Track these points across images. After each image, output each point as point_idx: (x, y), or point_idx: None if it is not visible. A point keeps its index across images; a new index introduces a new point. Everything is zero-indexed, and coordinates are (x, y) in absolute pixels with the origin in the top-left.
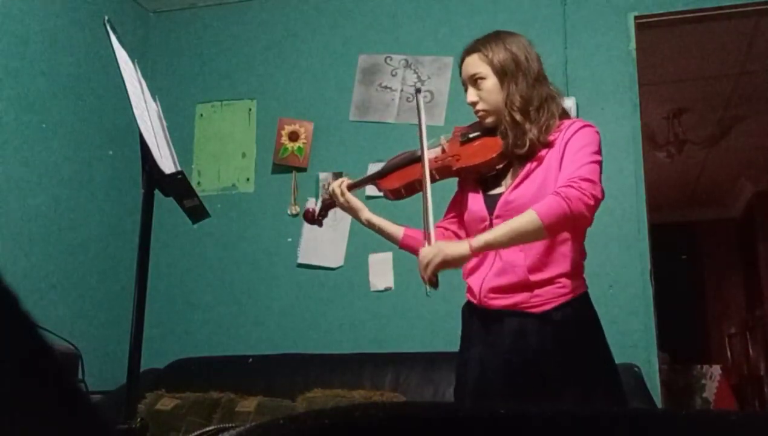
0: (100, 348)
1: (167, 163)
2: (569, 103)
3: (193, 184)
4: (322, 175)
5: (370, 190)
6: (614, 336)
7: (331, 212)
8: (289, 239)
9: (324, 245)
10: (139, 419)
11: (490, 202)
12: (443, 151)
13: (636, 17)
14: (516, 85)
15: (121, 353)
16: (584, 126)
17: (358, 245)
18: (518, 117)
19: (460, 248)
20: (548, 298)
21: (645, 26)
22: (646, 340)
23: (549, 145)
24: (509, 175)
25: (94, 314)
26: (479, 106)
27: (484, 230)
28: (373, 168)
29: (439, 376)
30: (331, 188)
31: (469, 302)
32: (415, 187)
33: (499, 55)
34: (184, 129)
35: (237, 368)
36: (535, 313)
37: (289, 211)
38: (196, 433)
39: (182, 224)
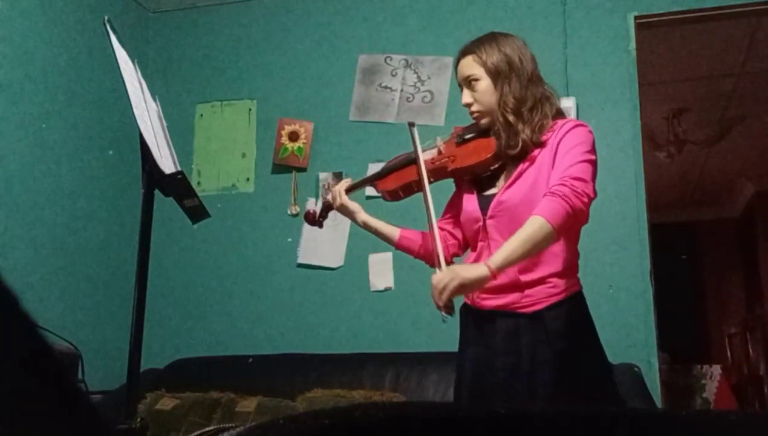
0: (100, 348)
1: (167, 163)
2: (569, 103)
3: (193, 184)
4: (322, 176)
5: (370, 190)
6: (614, 336)
7: (331, 213)
8: (289, 239)
9: (324, 245)
10: (139, 419)
11: (484, 203)
12: (439, 152)
13: (636, 17)
14: (509, 87)
15: (121, 353)
16: (577, 125)
17: (358, 245)
18: (511, 118)
19: (478, 270)
20: (539, 298)
21: (645, 26)
22: (646, 340)
23: (542, 145)
24: (503, 176)
25: (94, 314)
26: (474, 108)
27: (478, 230)
28: (373, 168)
29: (439, 376)
30: (330, 193)
31: (465, 303)
32: (412, 188)
33: (493, 56)
34: (184, 129)
35: (237, 368)
36: (526, 313)
37: (289, 212)
38: (196, 433)
39: (182, 224)
